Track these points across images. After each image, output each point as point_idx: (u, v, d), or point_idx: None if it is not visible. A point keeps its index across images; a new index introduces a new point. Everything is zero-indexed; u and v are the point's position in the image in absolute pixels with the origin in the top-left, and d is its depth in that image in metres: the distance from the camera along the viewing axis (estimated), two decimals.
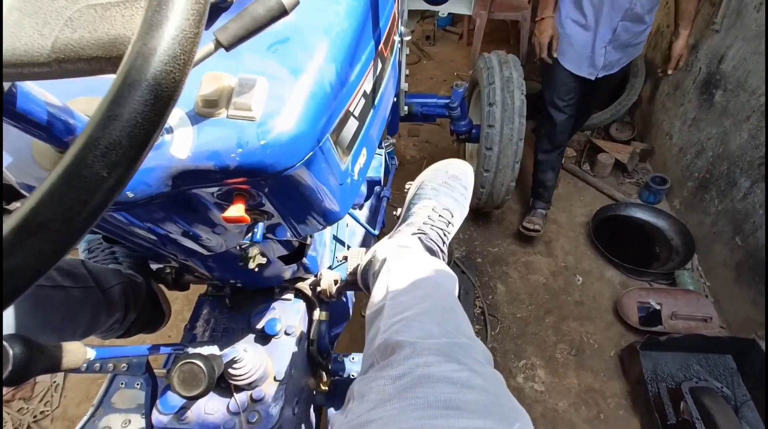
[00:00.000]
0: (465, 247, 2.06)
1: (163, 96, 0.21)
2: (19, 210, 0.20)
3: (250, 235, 0.51)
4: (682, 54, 1.69)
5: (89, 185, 0.20)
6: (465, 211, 0.82)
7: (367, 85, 0.61)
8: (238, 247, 0.56)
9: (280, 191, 0.48)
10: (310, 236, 0.80)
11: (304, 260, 0.80)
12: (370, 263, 0.78)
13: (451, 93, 1.79)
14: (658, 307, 1.73)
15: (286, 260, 0.76)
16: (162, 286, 0.93)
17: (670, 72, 1.74)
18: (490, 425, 0.35)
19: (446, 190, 0.80)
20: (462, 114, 1.82)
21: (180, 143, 0.41)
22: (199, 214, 0.50)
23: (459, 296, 1.93)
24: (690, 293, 1.79)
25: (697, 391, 1.41)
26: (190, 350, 0.67)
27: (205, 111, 0.42)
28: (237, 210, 0.45)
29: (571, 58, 1.72)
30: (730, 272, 1.76)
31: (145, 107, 0.21)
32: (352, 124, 0.57)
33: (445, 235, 0.76)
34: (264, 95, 0.43)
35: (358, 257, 0.90)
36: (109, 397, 1.03)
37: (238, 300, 0.88)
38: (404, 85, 1.60)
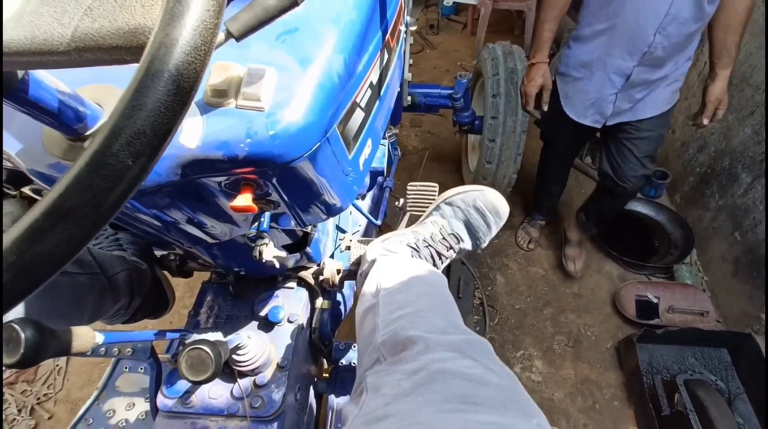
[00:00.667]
0: None
1: (185, 86, 0.21)
2: (47, 196, 0.20)
3: (256, 224, 0.51)
4: (722, 100, 1.27)
5: (115, 173, 0.21)
6: (482, 243, 0.78)
7: (374, 76, 0.61)
8: (248, 241, 0.56)
9: (287, 181, 0.49)
10: (314, 226, 0.81)
11: (308, 249, 0.81)
12: (359, 264, 0.78)
13: (455, 83, 1.78)
14: (655, 301, 1.75)
15: (289, 249, 0.77)
16: (166, 273, 0.94)
17: (705, 122, 1.31)
18: (508, 421, 0.36)
19: (464, 217, 0.77)
20: (465, 105, 1.82)
21: (189, 133, 0.41)
22: (206, 203, 0.50)
23: (459, 286, 1.91)
24: (687, 287, 1.80)
25: (691, 384, 1.43)
26: (196, 336, 0.68)
27: (214, 101, 0.42)
28: (244, 199, 0.46)
29: (573, 104, 1.45)
30: (728, 267, 1.78)
31: (168, 97, 0.21)
32: (358, 116, 0.57)
33: (441, 257, 0.75)
34: (273, 86, 0.43)
35: (360, 247, 0.91)
36: (113, 381, 1.05)
37: (242, 287, 0.89)
38: (408, 75, 1.59)
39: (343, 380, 0.99)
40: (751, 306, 1.63)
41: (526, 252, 2.02)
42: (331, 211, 0.60)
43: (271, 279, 0.91)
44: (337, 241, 0.98)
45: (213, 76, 0.42)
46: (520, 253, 2.03)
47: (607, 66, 1.30)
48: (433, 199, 0.85)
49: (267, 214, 0.51)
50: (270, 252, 0.54)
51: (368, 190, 1.17)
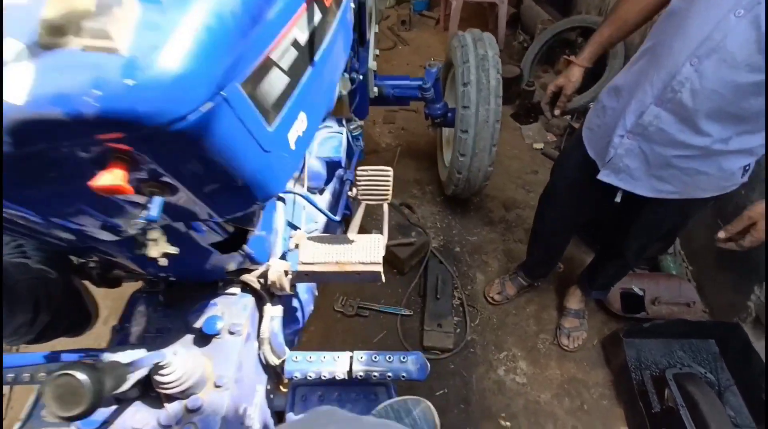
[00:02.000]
0: (443, 237, 1.98)
1: None
2: None
3: (144, 212, 0.41)
4: (756, 224, 0.92)
5: None
6: None
7: (299, 34, 0.51)
8: (135, 233, 0.45)
9: (176, 154, 0.38)
10: (252, 220, 0.70)
11: (246, 248, 0.70)
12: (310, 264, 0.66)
13: (425, 74, 1.70)
14: (640, 293, 1.68)
15: (220, 248, 0.66)
16: (86, 283, 0.82)
17: (721, 237, 0.99)
18: None
19: None
20: (436, 96, 1.73)
21: (14, 84, 0.31)
22: (74, 185, 0.39)
23: (437, 286, 1.78)
24: (672, 278, 1.74)
25: (681, 378, 1.36)
26: (103, 356, 0.57)
27: (50, 41, 0.31)
28: (112, 177, 0.35)
29: (593, 134, 1.16)
30: (712, 256, 1.72)
31: None
32: (277, 78, 0.47)
33: None
34: (132, 21, 0.32)
35: (310, 244, 0.81)
36: (38, 410, 0.92)
37: (176, 296, 0.77)
38: (372, 64, 1.50)
39: (303, 395, 0.88)
40: (737, 295, 1.57)
41: (493, 304, 1.76)
42: (252, 197, 0.50)
43: (212, 285, 0.80)
44: (288, 239, 0.87)
45: (49, 7, 0.31)
46: (499, 249, 1.95)
47: (633, 97, 0.99)
48: (388, 185, 0.75)
49: (158, 199, 0.41)
50: (158, 249, 0.43)
51: (326, 184, 1.07)
